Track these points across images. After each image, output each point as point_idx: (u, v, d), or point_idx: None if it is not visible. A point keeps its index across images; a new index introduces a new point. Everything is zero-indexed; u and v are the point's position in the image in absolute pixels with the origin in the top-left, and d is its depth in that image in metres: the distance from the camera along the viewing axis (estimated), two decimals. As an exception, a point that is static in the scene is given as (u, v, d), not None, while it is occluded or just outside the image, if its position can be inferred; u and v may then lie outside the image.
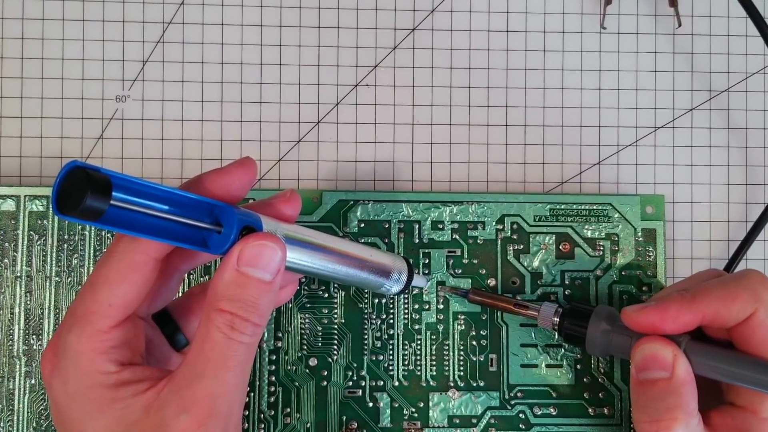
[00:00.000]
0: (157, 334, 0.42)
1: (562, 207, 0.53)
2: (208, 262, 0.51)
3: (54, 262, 0.52)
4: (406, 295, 0.52)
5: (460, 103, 0.55)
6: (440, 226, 0.53)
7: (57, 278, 0.52)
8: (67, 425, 0.38)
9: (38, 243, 0.51)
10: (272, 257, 0.36)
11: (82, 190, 0.32)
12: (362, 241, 0.52)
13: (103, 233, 0.52)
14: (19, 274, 0.51)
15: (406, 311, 0.52)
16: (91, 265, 0.51)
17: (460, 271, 0.53)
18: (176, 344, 0.43)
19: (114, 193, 0.33)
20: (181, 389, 0.36)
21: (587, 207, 0.53)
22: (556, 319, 0.49)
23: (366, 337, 0.52)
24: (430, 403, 0.52)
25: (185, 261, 0.42)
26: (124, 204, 0.34)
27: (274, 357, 0.52)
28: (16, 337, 0.51)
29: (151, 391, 0.36)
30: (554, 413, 0.52)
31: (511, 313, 0.51)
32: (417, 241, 0.53)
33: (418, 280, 0.50)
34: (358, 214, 0.52)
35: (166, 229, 0.36)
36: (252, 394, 0.51)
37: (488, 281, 0.53)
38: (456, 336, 0.52)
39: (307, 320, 0.52)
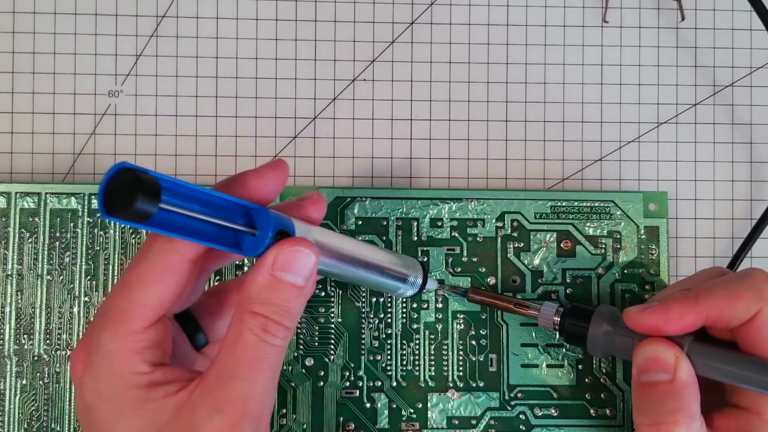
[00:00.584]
0: (179, 334, 0.42)
1: (564, 204, 0.53)
2: (238, 261, 0.51)
3: (46, 260, 0.51)
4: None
5: (460, 99, 0.55)
6: (439, 223, 0.52)
7: (49, 276, 0.51)
8: (96, 425, 0.38)
9: (29, 241, 0.51)
10: (306, 263, 0.37)
11: (131, 193, 0.32)
12: (360, 239, 0.52)
13: (96, 231, 0.51)
14: (9, 273, 0.51)
15: (405, 310, 0.52)
16: (84, 262, 0.51)
17: (459, 269, 0.52)
18: (196, 343, 0.43)
19: (162, 197, 0.33)
20: (213, 390, 0.36)
21: (589, 204, 0.53)
22: (557, 319, 0.49)
23: (363, 336, 0.52)
24: (429, 404, 0.52)
25: (214, 261, 0.42)
26: (168, 206, 0.34)
27: None
28: (6, 337, 0.51)
29: (183, 392, 0.37)
30: (555, 414, 0.52)
31: (511, 313, 0.51)
32: (415, 238, 0.52)
33: (431, 283, 0.50)
34: (356, 211, 0.52)
35: (203, 230, 0.36)
36: None
37: (488, 280, 0.52)
38: (455, 335, 0.52)
39: (303, 319, 0.52)
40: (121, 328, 0.37)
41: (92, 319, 0.40)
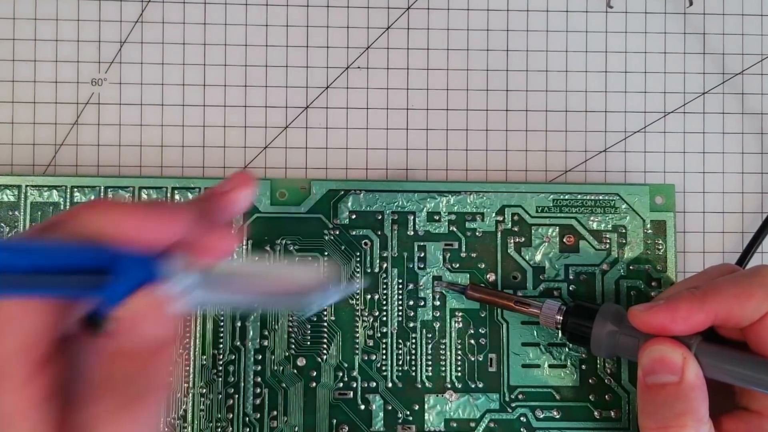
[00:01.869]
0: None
1: (566, 197, 0.52)
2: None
3: (26, 256, 0.50)
4: (401, 291, 0.52)
5: (458, 87, 0.55)
6: (436, 217, 0.52)
7: (29, 273, 0.50)
8: None
9: (9, 235, 0.51)
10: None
11: None
12: (353, 233, 0.52)
13: None
14: (-12, 270, 0.50)
15: (401, 308, 0.51)
16: None
17: (457, 265, 0.52)
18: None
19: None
20: None
21: (593, 197, 0.52)
22: (560, 318, 0.48)
23: (357, 335, 0.51)
24: (426, 406, 0.51)
25: None
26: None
27: (260, 357, 0.51)
28: (-16, 337, 0.49)
29: None
30: (558, 416, 0.51)
31: (512, 311, 0.50)
32: (412, 233, 0.52)
33: (346, 289, 0.48)
34: (350, 204, 0.52)
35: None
36: (237, 396, 0.50)
37: (487, 276, 0.52)
38: (453, 334, 0.52)
39: (294, 318, 0.51)
40: (6, 383, 0.33)
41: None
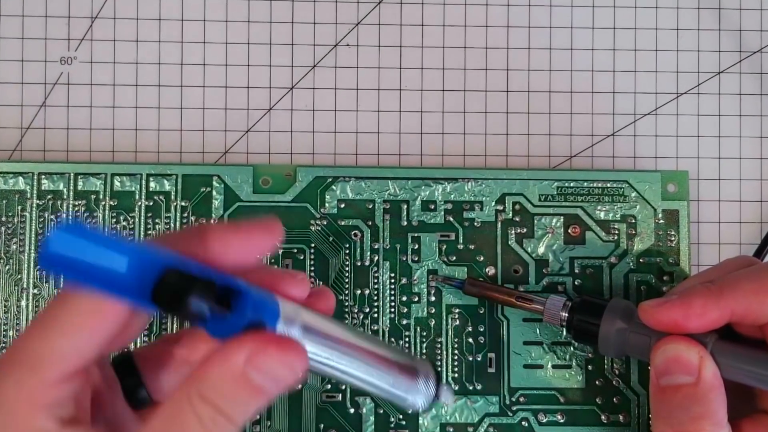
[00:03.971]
0: (112, 384, 0.38)
1: (572, 185, 0.52)
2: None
3: (-11, 247, 0.50)
4: (393, 285, 0.51)
5: (455, 66, 0.54)
6: (432, 206, 0.52)
7: (-7, 265, 0.50)
8: None
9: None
10: (286, 374, 0.33)
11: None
12: (342, 224, 0.51)
13: (46, 215, 0.51)
14: (-52, 262, 0.50)
15: (393, 304, 0.51)
16: (33, 250, 0.50)
17: (454, 258, 0.51)
18: (135, 401, 0.39)
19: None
20: None
21: (600, 185, 0.52)
22: (565, 314, 0.48)
23: None
24: (420, 410, 0.48)
25: None
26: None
27: None
28: (-56, 334, 0.50)
29: None
30: (562, 421, 0.51)
31: (513, 307, 0.49)
32: (405, 223, 0.51)
33: (445, 395, 0.44)
34: (338, 192, 0.51)
35: None
36: None
37: (487, 270, 0.51)
38: (450, 332, 0.51)
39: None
40: (30, 377, 0.33)
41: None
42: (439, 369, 0.51)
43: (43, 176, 0.51)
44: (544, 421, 0.51)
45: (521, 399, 0.51)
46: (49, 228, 0.50)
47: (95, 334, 0.33)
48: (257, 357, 0.32)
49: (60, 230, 0.31)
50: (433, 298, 0.51)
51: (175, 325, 0.49)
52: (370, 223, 0.51)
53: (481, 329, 0.51)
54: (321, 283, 0.51)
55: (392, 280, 0.51)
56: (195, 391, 0.32)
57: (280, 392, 0.33)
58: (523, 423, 0.51)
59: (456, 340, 0.51)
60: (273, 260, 0.50)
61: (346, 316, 0.51)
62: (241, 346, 0.32)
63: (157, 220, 0.50)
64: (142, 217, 0.50)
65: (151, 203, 0.50)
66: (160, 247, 0.33)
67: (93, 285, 0.31)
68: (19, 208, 0.50)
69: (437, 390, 0.41)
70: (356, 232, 0.51)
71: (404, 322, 0.51)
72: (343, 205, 0.51)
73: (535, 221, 0.52)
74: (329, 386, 0.50)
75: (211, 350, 0.33)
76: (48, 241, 0.30)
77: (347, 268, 0.51)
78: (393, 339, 0.51)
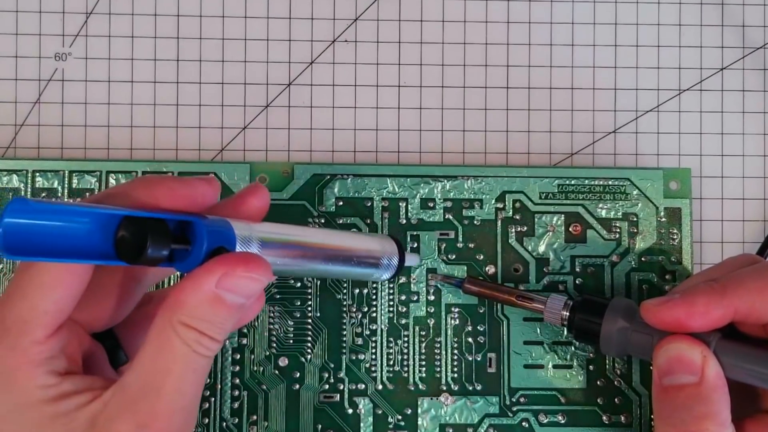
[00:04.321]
0: (96, 348, 0.40)
1: (573, 182, 0.52)
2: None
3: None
4: (392, 284, 0.51)
5: (454, 62, 0.54)
6: (431, 204, 0.51)
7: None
8: None
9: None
10: (255, 287, 0.36)
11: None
12: (340, 222, 0.51)
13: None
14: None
15: (392, 303, 0.51)
16: None
17: (453, 256, 0.51)
18: (115, 361, 0.41)
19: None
20: (137, 402, 0.35)
21: (601, 182, 0.52)
22: (566, 314, 0.47)
23: (345, 333, 0.51)
24: (419, 410, 0.50)
25: (145, 273, 0.40)
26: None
27: (239, 356, 0.50)
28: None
29: (97, 401, 0.36)
30: (563, 421, 0.51)
31: (513, 306, 0.49)
32: (404, 221, 0.51)
33: (410, 259, 0.49)
34: (336, 190, 0.51)
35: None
36: (213, 399, 0.50)
37: (486, 269, 0.51)
38: (449, 332, 0.51)
39: (276, 314, 0.50)
40: (21, 340, 0.36)
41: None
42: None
43: (37, 174, 0.50)
44: (545, 421, 0.51)
45: (522, 399, 0.51)
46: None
47: (69, 288, 0.36)
48: (226, 278, 0.35)
49: (14, 205, 0.32)
50: (432, 298, 0.51)
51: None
52: (368, 221, 0.51)
53: (481, 329, 0.51)
54: (319, 282, 0.51)
55: (391, 280, 0.50)
56: (176, 319, 0.35)
57: (251, 301, 0.37)
58: (523, 424, 0.50)
59: (455, 339, 0.51)
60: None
61: (344, 315, 0.51)
62: (209, 271, 0.35)
63: (152, 218, 0.50)
64: (138, 215, 0.50)
65: (147, 201, 0.50)
66: (111, 202, 0.35)
67: (59, 259, 0.33)
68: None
69: (401, 260, 0.46)
70: (355, 230, 0.51)
71: (403, 321, 0.51)
72: (341, 203, 0.51)
73: (536, 219, 0.52)
74: (327, 386, 0.50)
75: (179, 282, 0.36)
76: (4, 225, 0.31)
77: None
78: (392, 339, 0.51)
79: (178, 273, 0.49)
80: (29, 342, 0.35)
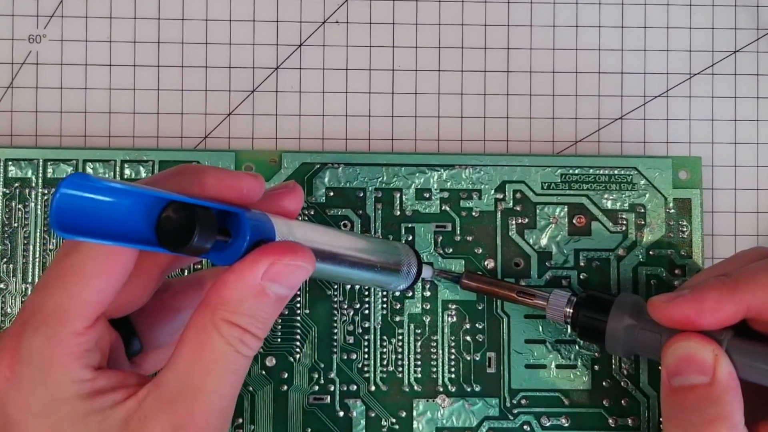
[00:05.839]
0: (114, 336, 0.41)
1: (576, 172, 0.51)
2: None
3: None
4: None
5: (451, 45, 0.53)
6: (427, 195, 0.51)
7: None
8: None
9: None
10: (300, 276, 0.37)
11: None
12: (331, 214, 0.51)
13: (13, 204, 0.50)
14: None
15: (385, 300, 0.51)
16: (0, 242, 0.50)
17: (450, 250, 0.51)
18: (129, 350, 0.42)
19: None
20: (174, 402, 0.36)
21: (607, 172, 0.51)
22: (569, 310, 0.47)
23: (336, 331, 0.50)
24: (415, 413, 0.50)
25: (170, 259, 0.40)
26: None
27: None
28: None
29: (131, 399, 0.36)
30: (566, 424, 0.50)
31: (514, 303, 0.49)
32: (398, 213, 0.51)
33: (426, 271, 0.49)
34: (326, 180, 0.51)
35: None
36: None
37: (485, 263, 0.51)
38: (446, 330, 0.50)
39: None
40: (60, 330, 0.36)
41: (15, 318, 0.40)
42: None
43: (10, 163, 0.50)
44: (547, 424, 0.50)
45: (523, 401, 0.50)
46: (18, 216, 0.50)
47: (112, 277, 0.36)
48: (274, 268, 0.35)
49: (73, 179, 0.32)
50: (428, 294, 0.50)
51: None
52: (360, 212, 0.51)
53: (480, 327, 0.50)
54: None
55: (406, 290, 0.50)
56: (219, 317, 0.36)
57: (293, 293, 0.38)
58: (524, 427, 0.50)
59: (452, 338, 0.50)
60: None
61: (335, 312, 0.50)
62: (255, 262, 0.35)
63: (131, 210, 0.50)
64: (116, 207, 0.50)
65: (126, 191, 0.50)
66: (158, 186, 0.35)
67: (106, 240, 0.33)
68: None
69: (419, 271, 0.47)
70: (346, 222, 0.51)
71: (397, 318, 0.50)
72: (331, 194, 0.51)
73: (538, 211, 0.51)
74: (317, 388, 0.50)
75: (219, 276, 0.36)
76: (59, 197, 0.31)
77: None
78: (385, 337, 0.50)
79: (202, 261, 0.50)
80: (68, 333, 0.36)
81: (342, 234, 0.44)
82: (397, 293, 0.50)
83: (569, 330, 0.50)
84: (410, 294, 0.50)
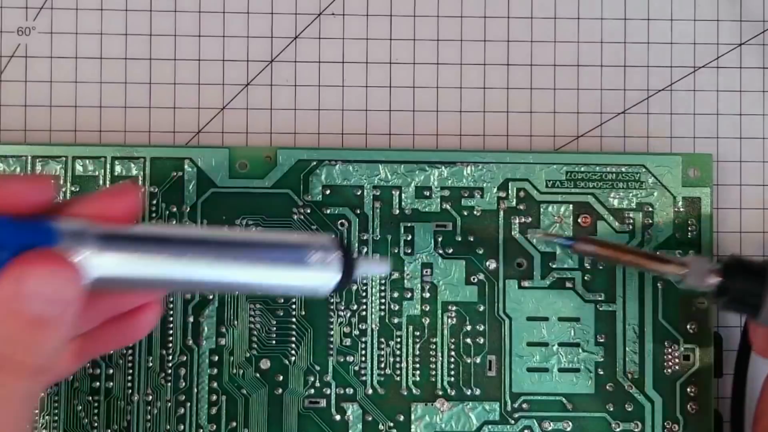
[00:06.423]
0: None
1: (582, 169, 0.50)
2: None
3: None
4: (383, 280, 0.49)
5: (450, 37, 0.53)
6: (427, 193, 0.50)
7: None
8: None
9: None
10: (64, 290, 0.32)
11: None
12: (328, 212, 0.50)
13: None
14: None
15: (383, 301, 0.49)
16: None
17: (451, 250, 0.50)
18: None
19: None
20: None
21: (614, 169, 0.50)
22: (716, 278, 0.44)
23: (332, 333, 0.49)
24: (413, 417, 0.49)
25: None
26: None
27: (216, 358, 0.49)
28: None
29: None
30: (569, 429, 0.49)
31: (640, 269, 0.48)
32: (397, 212, 0.50)
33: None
34: (323, 177, 0.50)
35: None
36: (189, 404, 0.49)
37: (487, 263, 0.50)
38: (445, 332, 0.49)
39: (257, 312, 0.49)
40: None
41: None
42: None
43: None
44: (550, 429, 0.49)
45: (524, 405, 0.49)
46: None
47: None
48: (22, 283, 0.31)
49: None
50: (427, 295, 0.50)
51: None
52: (358, 211, 0.50)
53: (480, 329, 0.49)
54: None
55: (336, 292, 0.48)
56: None
57: (65, 313, 0.32)
58: None
59: (452, 340, 0.50)
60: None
61: (332, 314, 0.50)
62: (3, 278, 0.31)
63: (123, 209, 0.49)
64: (107, 205, 0.49)
65: (117, 189, 0.49)
66: None
67: None
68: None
69: (349, 265, 0.38)
70: (343, 221, 0.50)
71: (395, 320, 0.50)
72: (328, 192, 0.50)
73: (542, 210, 0.50)
74: (312, 391, 0.49)
75: None
76: None
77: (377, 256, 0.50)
78: (383, 339, 0.50)
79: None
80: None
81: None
82: (332, 294, 0.45)
83: (708, 301, 0.49)
84: (409, 295, 0.50)
